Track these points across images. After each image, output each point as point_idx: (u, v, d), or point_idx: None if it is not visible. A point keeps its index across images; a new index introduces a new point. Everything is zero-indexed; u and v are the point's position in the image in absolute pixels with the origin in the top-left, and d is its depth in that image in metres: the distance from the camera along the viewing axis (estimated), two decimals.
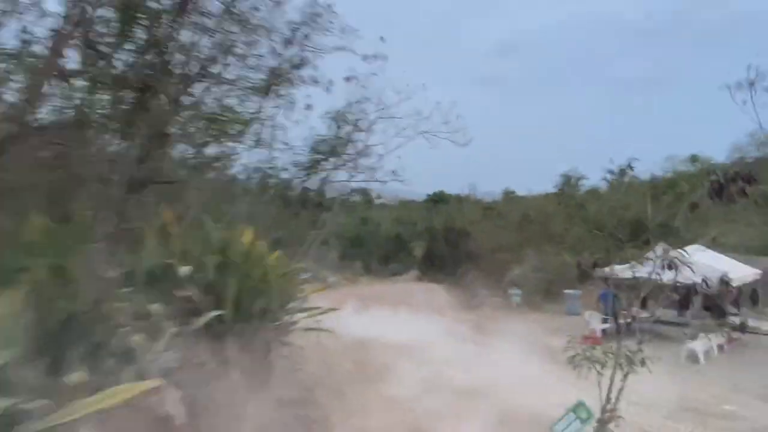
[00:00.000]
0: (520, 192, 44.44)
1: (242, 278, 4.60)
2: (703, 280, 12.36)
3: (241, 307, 4.45)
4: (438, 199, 40.86)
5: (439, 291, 25.85)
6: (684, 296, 15.60)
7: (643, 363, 6.21)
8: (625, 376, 6.07)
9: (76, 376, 2.96)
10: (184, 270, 4.15)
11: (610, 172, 36.64)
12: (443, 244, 32.46)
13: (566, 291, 20.37)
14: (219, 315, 4.20)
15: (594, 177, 40.20)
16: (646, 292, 15.30)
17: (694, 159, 35.74)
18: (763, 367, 12.46)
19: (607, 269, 14.96)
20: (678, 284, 15.85)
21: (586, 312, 17.47)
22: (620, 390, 5.93)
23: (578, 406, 6.48)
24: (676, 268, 13.05)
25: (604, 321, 15.80)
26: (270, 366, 4.99)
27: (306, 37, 5.47)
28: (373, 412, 6.72)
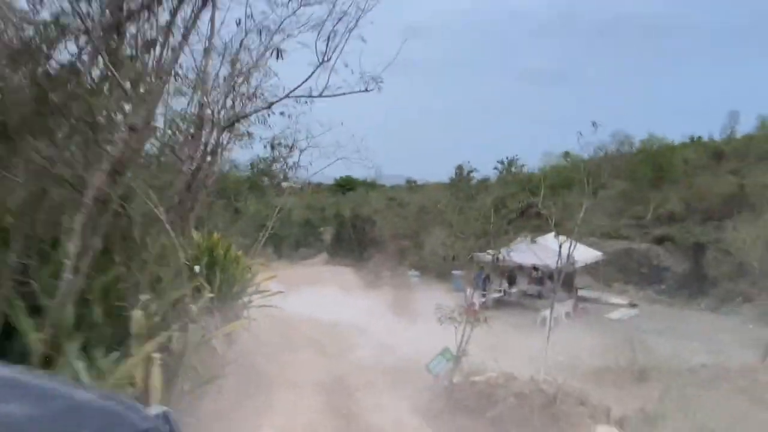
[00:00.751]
0: (421, 180, 48.31)
1: (223, 271, 6.84)
2: (534, 267, 16.14)
3: (222, 291, 6.65)
4: (344, 184, 43.44)
5: (348, 273, 28.63)
6: (540, 276, 19.60)
7: (485, 321, 9.34)
8: (472, 329, 9.15)
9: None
10: (197, 267, 6.27)
11: (500, 163, 40.99)
12: (351, 230, 35.22)
13: (453, 271, 23.92)
14: (211, 297, 6.44)
15: (488, 168, 44.82)
16: (511, 272, 19.42)
17: (566, 155, 41.26)
18: (591, 330, 16.55)
19: (483, 254, 18.93)
20: (535, 267, 20.01)
21: (467, 288, 21.10)
22: (468, 338, 8.97)
23: (445, 351, 9.55)
24: (538, 252, 17.08)
25: (483, 296, 19.43)
26: (235, 332, 7.32)
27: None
28: (301, 362, 9.37)
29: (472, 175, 43.63)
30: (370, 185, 40.97)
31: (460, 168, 44.28)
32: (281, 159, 8.79)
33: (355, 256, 32.45)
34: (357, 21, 5.35)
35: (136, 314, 4.03)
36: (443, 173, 41.33)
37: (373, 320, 15.05)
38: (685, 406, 4.41)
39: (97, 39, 4.10)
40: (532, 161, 43.81)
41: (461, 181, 40.26)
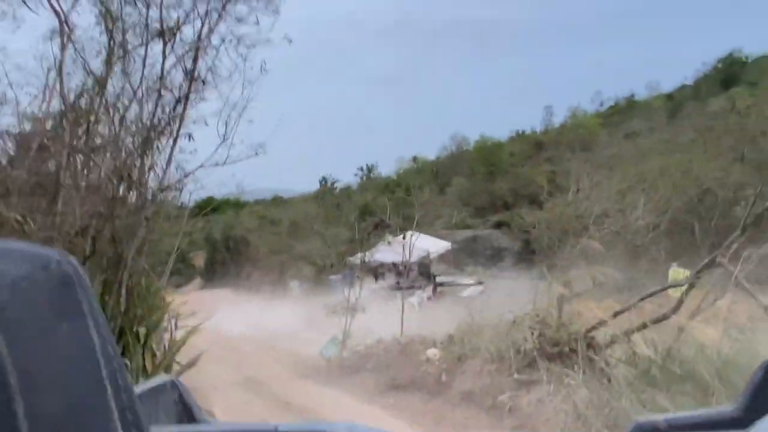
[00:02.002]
0: (285, 191, 50.32)
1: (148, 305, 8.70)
2: (394, 263, 19.56)
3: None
4: (206, 206, 43.87)
5: (229, 293, 30.01)
6: (402, 269, 23.08)
7: (363, 310, 12.21)
8: (353, 318, 11.95)
9: None
10: None
11: (360, 170, 44.80)
12: (224, 251, 36.24)
13: (330, 277, 26.63)
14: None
15: (348, 174, 48.16)
16: (377, 270, 22.78)
17: (415, 159, 46.22)
18: (446, 308, 20.29)
19: (353, 258, 21.98)
20: (395, 263, 23.40)
21: (344, 290, 23.98)
22: (349, 326, 11.71)
23: (333, 338, 12.26)
24: (398, 249, 20.41)
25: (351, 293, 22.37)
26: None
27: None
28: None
29: (335, 185, 46.88)
30: (234, 204, 42.02)
31: (324, 179, 47.32)
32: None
33: (232, 277, 33.68)
34: (244, 108, 7.54)
35: None
36: (306, 182, 43.82)
37: (268, 327, 17.35)
38: (474, 334, 7.62)
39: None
40: (386, 163, 48.14)
41: (326, 192, 43.24)
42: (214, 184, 7.60)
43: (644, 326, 5.43)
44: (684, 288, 5.64)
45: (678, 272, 11.06)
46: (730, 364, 4.97)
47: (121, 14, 6.42)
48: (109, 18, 6.48)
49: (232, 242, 35.93)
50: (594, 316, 7.01)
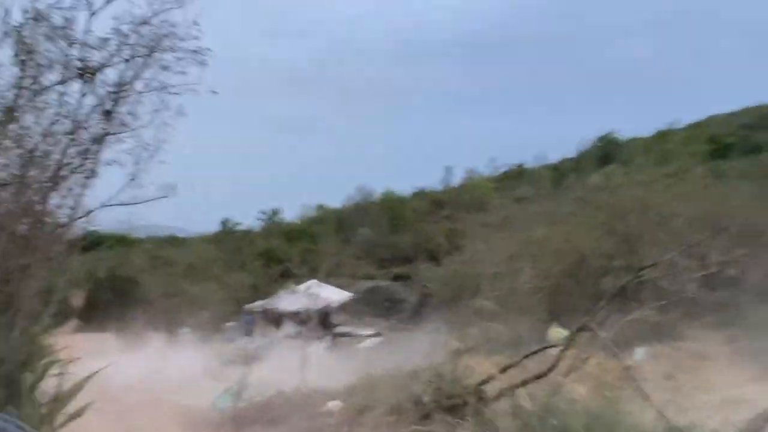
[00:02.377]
0: (179, 231, 48.16)
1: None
2: (296, 312, 19.56)
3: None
4: (94, 242, 40.83)
5: (110, 338, 27.80)
6: (303, 318, 22.96)
7: (260, 359, 12.03)
8: (249, 368, 11.76)
9: None
10: None
11: (263, 214, 44.16)
12: (108, 291, 33.66)
13: (226, 324, 25.75)
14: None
15: (250, 218, 47.15)
16: (278, 318, 22.51)
17: (319, 207, 46.60)
18: (345, 358, 20.36)
19: (253, 305, 21.64)
20: (296, 312, 23.31)
21: (239, 338, 23.30)
22: (246, 376, 11.49)
23: (227, 389, 11.92)
24: (301, 298, 20.41)
25: (251, 342, 21.87)
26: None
27: None
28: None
29: (237, 228, 45.70)
30: (120, 239, 39.54)
31: (225, 221, 46.01)
32: None
33: (116, 319, 31.26)
34: (157, 150, 7.50)
35: None
36: (204, 223, 42.27)
37: (156, 377, 16.37)
38: (374, 385, 8.02)
39: None
40: (290, 209, 47.85)
41: (227, 235, 42.01)
42: (106, 220, 7.38)
43: (526, 382, 6.06)
44: (561, 348, 6.38)
45: (557, 332, 12.18)
46: (598, 419, 5.67)
47: (38, 49, 6.34)
48: (23, 51, 6.36)
49: (119, 282, 33.54)
50: (484, 371, 7.59)
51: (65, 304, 34.42)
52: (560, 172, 46.70)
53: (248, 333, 22.30)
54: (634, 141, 48.55)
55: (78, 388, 5.87)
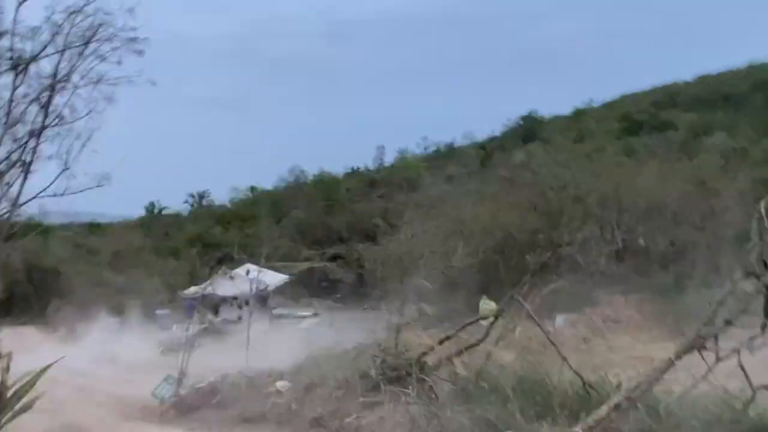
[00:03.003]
0: (102, 218, 45.86)
1: None
2: (234, 297, 19.57)
3: None
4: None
5: (32, 332, 26.49)
6: (241, 303, 22.92)
7: (199, 347, 12.08)
8: (189, 355, 11.76)
9: None
10: None
11: (191, 197, 42.96)
12: (26, 283, 31.79)
13: (157, 311, 25.19)
14: None
15: (177, 200, 45.46)
16: (216, 303, 22.35)
17: (252, 189, 45.87)
18: (286, 339, 20.58)
19: (188, 290, 21.31)
20: (233, 296, 23.20)
21: (174, 325, 22.90)
22: (185, 363, 11.47)
23: (167, 377, 11.88)
24: (238, 282, 20.29)
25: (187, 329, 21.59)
26: None
27: None
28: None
29: (163, 212, 44.14)
30: (35, 227, 37.30)
31: (151, 205, 44.29)
32: None
33: (36, 313, 29.70)
34: (90, 138, 7.44)
35: None
36: (125, 206, 40.29)
37: (87, 369, 15.97)
38: (320, 363, 8.44)
39: None
40: (219, 191, 46.55)
41: (154, 220, 40.55)
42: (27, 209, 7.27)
43: (461, 352, 6.69)
44: (491, 319, 7.06)
45: (486, 304, 13.05)
46: (524, 380, 6.39)
47: None
48: None
49: (38, 273, 31.71)
50: (422, 343, 8.16)
51: None
52: (487, 151, 48.43)
53: (188, 318, 21.95)
54: (554, 120, 51.08)
55: (31, 383, 5.85)
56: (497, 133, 52.87)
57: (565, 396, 5.75)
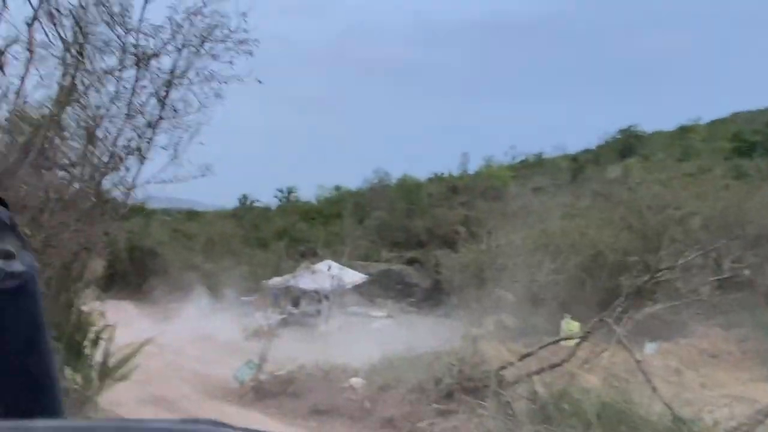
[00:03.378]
0: (198, 206, 48.85)
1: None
2: (315, 291, 20.08)
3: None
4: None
5: (128, 307, 28.63)
6: (319, 297, 23.54)
7: (279, 336, 12.54)
8: (270, 342, 12.25)
9: None
10: None
11: (280, 192, 44.78)
12: (127, 261, 34.47)
13: (242, 298, 26.43)
14: None
15: (268, 194, 47.61)
16: (296, 296, 23.05)
17: (337, 188, 47.03)
18: (358, 337, 20.90)
19: (272, 280, 22.11)
20: (314, 290, 23.85)
21: (257, 313, 23.89)
22: (267, 350, 11.96)
23: (248, 362, 12.44)
24: (318, 278, 20.87)
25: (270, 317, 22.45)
26: None
27: None
28: None
29: (255, 204, 46.37)
30: (139, 210, 40.18)
31: (244, 198, 46.68)
32: None
33: (134, 289, 32.06)
34: (196, 131, 7.89)
35: None
36: (218, 196, 42.67)
37: (174, 346, 17.07)
38: (395, 365, 8.47)
39: None
40: (307, 188, 48.16)
41: (245, 212, 42.67)
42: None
43: (543, 370, 6.45)
44: (577, 340, 6.75)
45: (570, 323, 12.53)
46: (609, 408, 6.05)
47: (95, 33, 6.71)
48: (80, 35, 6.74)
49: (138, 252, 34.30)
50: (499, 356, 7.98)
51: (88, 272, 35.40)
52: (579, 164, 46.49)
53: (273, 307, 22.88)
54: (656, 135, 48.09)
55: (133, 353, 6.35)
56: (591, 146, 50.57)
57: (653, 429, 5.40)
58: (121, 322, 20.66)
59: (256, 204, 44.91)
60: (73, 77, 6.61)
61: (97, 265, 36.68)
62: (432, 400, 6.29)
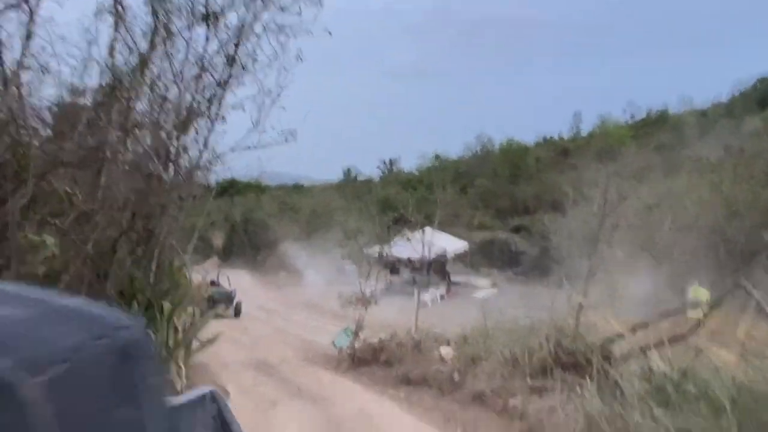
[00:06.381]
0: (305, 179, 50.42)
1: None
2: (409, 259, 19.63)
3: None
4: (228, 187, 44.36)
5: (244, 275, 30.42)
6: (418, 265, 23.17)
7: (376, 302, 12.32)
8: (366, 310, 12.06)
9: None
10: None
11: (383, 163, 44.96)
12: (243, 233, 36.66)
13: (346, 266, 26.87)
14: None
15: (369, 166, 48.12)
16: (393, 265, 22.77)
17: (437, 157, 46.12)
18: (459, 307, 20.35)
19: (374, 248, 21.89)
20: (411, 258, 23.44)
21: (359, 280, 24.12)
22: (363, 318, 11.79)
23: (346, 329, 12.39)
24: (417, 245, 20.39)
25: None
26: None
27: None
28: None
29: (358, 177, 47.07)
30: (255, 187, 42.22)
31: (348, 170, 47.57)
32: None
33: (249, 258, 34.06)
34: (278, 95, 7.62)
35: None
36: (324, 171, 43.93)
37: (281, 312, 17.65)
38: (488, 336, 7.72)
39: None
40: (407, 158, 47.92)
41: (349, 184, 43.41)
42: (238, 167, 7.75)
43: (661, 344, 5.44)
44: (704, 309, 5.63)
45: (699, 291, 10.92)
46: (745, 390, 4.96)
47: None
48: None
49: (252, 225, 36.29)
50: (611, 329, 7.01)
51: (207, 243, 38.26)
52: (709, 119, 41.45)
53: (373, 275, 22.97)
54: None
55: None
56: (723, 98, 44.83)
57: None
58: (240, 289, 21.90)
59: (359, 176, 45.53)
60: (150, 42, 6.56)
61: (218, 237, 39.27)
62: (527, 375, 5.60)
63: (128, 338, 0.52)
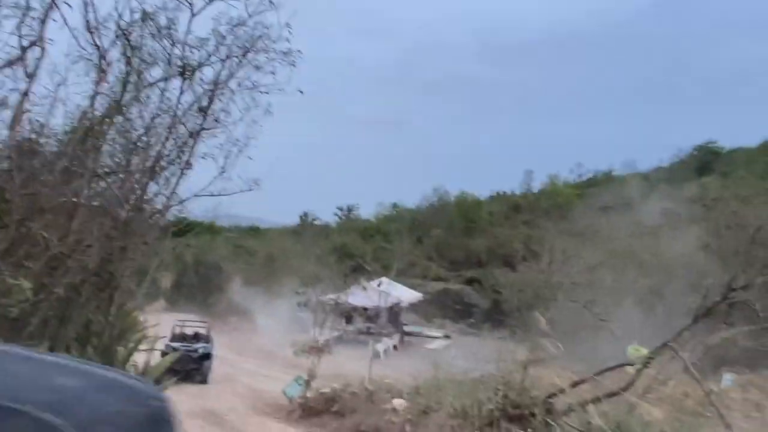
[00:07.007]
0: (260, 221, 50.06)
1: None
2: (364, 308, 19.82)
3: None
4: (183, 228, 43.34)
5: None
6: (373, 315, 23.27)
7: (329, 352, 12.35)
8: (320, 359, 12.07)
9: None
10: None
11: (340, 209, 45.12)
12: (194, 276, 35.73)
13: (298, 313, 26.58)
14: None
15: (326, 211, 48.35)
16: (348, 313, 22.89)
17: (394, 206, 46.96)
18: (412, 358, 20.44)
19: (329, 296, 21.92)
20: (366, 308, 23.59)
21: (312, 329, 23.92)
22: (316, 367, 11.78)
23: (297, 378, 12.31)
24: (371, 295, 20.64)
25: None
26: None
27: None
28: None
29: (315, 222, 47.12)
30: (208, 227, 41.56)
31: (305, 215, 47.59)
32: None
33: (199, 302, 33.11)
34: (247, 145, 7.85)
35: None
36: (280, 214, 43.75)
37: (230, 359, 17.27)
38: (440, 388, 7.95)
39: None
40: (365, 204, 48.46)
41: (306, 229, 43.39)
42: (197, 210, 7.88)
43: (599, 399, 5.82)
44: (638, 366, 6.08)
45: (636, 349, 11.53)
46: None
47: (141, 46, 6.86)
48: (129, 48, 6.90)
49: (203, 267, 35.48)
50: (553, 383, 7.37)
51: (155, 285, 36.96)
52: (651, 182, 44.08)
53: (327, 323, 22.91)
54: (736, 152, 44.96)
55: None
56: (664, 163, 47.85)
57: None
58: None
59: (316, 221, 45.60)
60: (124, 88, 6.77)
61: (166, 279, 38.15)
62: (475, 427, 5.82)
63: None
